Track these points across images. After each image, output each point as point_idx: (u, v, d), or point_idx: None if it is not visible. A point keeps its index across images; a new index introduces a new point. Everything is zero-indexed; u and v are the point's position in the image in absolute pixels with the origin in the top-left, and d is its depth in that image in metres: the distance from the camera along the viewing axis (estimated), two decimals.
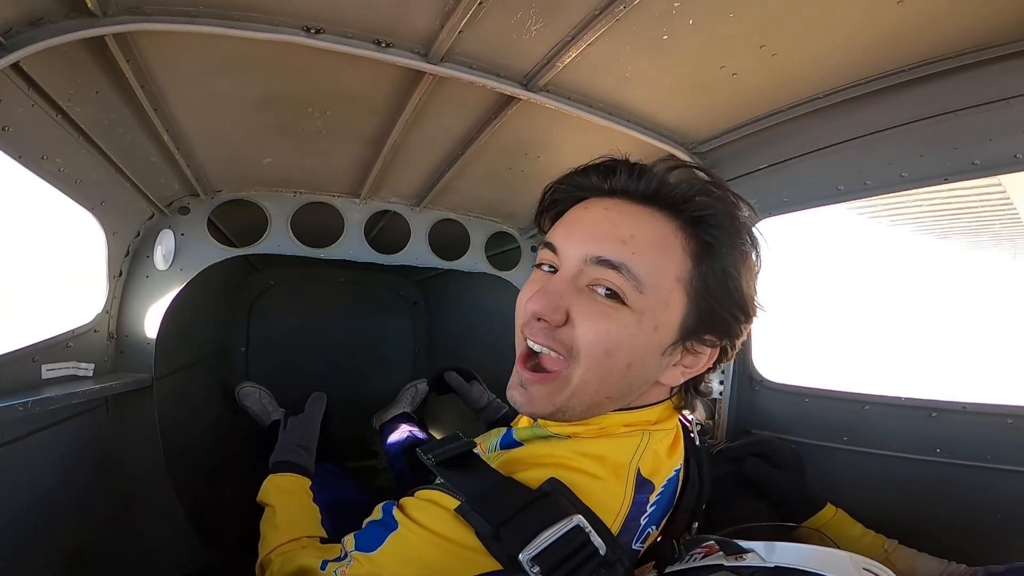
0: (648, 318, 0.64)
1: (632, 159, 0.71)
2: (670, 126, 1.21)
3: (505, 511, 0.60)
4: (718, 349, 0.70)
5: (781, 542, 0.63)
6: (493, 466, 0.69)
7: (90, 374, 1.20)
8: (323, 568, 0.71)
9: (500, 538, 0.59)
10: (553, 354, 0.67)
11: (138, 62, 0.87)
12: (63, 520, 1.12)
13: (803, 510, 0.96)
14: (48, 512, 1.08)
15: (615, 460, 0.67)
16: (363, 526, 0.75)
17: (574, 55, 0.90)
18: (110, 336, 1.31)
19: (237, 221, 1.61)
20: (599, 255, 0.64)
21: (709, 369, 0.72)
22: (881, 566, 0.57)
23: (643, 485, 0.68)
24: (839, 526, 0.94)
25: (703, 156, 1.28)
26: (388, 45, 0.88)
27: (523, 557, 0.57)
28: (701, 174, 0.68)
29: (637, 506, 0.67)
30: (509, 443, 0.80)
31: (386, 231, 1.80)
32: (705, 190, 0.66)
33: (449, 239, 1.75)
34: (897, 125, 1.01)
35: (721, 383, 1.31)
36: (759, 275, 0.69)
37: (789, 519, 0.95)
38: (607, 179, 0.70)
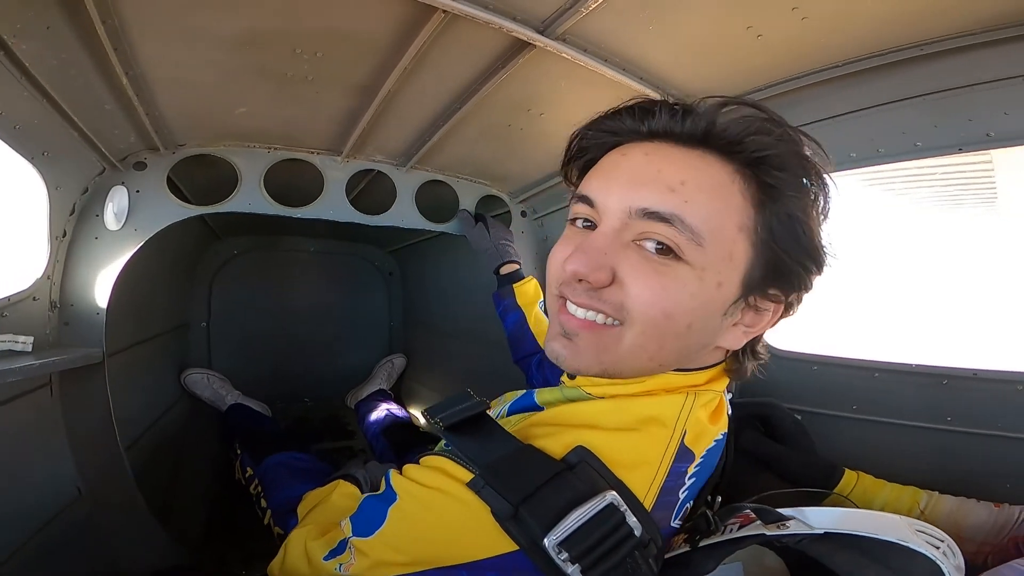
0: (711, 274, 0.57)
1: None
2: (682, 86, 1.15)
3: (525, 487, 0.52)
4: (783, 306, 0.64)
5: (826, 507, 0.60)
6: (510, 431, 0.61)
7: (29, 348, 1.03)
8: (326, 560, 0.63)
9: (520, 519, 0.51)
10: (599, 317, 0.60)
11: None
12: (10, 521, 0.97)
13: (819, 486, 0.91)
14: None
15: (654, 421, 0.60)
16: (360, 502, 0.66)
17: (601, 1, 0.82)
18: (52, 305, 1.14)
19: (200, 180, 1.45)
20: (646, 207, 0.57)
21: None
22: (934, 528, 0.55)
23: (685, 454, 0.60)
24: (868, 492, 0.90)
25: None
26: None
27: (549, 542, 0.49)
28: (756, 112, 0.60)
29: (674, 476, 0.59)
30: (528, 407, 0.72)
31: (367, 194, 1.67)
32: (763, 128, 0.58)
33: (433, 205, 1.64)
34: (913, 96, 1.01)
35: None
36: (827, 221, 0.62)
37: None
38: (644, 121, 0.62)
